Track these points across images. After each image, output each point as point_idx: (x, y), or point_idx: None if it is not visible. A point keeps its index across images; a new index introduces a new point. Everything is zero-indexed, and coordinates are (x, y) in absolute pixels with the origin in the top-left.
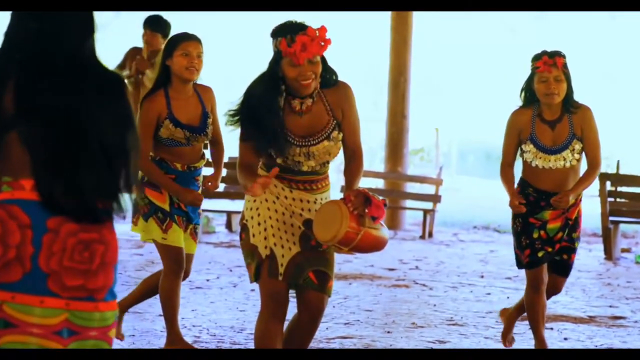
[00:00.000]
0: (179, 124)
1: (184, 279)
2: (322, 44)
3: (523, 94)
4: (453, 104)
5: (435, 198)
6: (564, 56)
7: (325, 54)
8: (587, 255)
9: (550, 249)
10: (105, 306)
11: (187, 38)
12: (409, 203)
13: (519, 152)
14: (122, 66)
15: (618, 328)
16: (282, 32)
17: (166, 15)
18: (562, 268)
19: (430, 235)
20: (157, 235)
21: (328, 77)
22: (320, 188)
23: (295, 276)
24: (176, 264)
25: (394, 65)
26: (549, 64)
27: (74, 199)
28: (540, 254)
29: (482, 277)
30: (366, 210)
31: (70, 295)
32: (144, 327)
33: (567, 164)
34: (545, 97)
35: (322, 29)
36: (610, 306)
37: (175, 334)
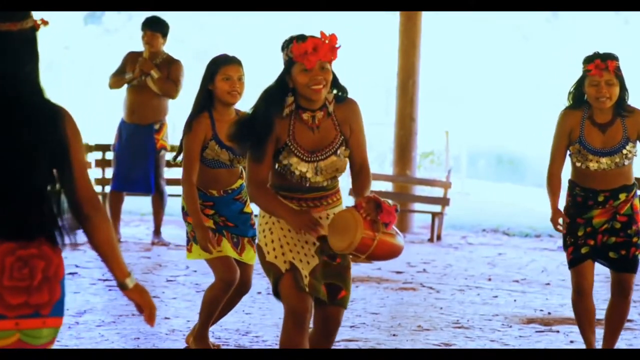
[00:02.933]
0: (224, 145)
1: (246, 292)
2: (333, 49)
3: (571, 95)
4: (463, 107)
5: (443, 201)
6: (616, 59)
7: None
8: None
9: (593, 242)
10: (52, 322)
11: (227, 62)
12: (417, 206)
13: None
14: (121, 71)
15: (625, 331)
16: (292, 39)
17: (167, 16)
18: (623, 264)
19: (439, 238)
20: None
21: (339, 94)
22: (331, 203)
23: (316, 289)
24: (229, 273)
25: (402, 69)
26: (601, 68)
27: (1, 221)
28: (583, 250)
29: (489, 280)
30: (378, 217)
31: (17, 314)
32: (148, 330)
33: (620, 167)
34: (596, 101)
35: (333, 36)
36: None
37: (202, 332)
